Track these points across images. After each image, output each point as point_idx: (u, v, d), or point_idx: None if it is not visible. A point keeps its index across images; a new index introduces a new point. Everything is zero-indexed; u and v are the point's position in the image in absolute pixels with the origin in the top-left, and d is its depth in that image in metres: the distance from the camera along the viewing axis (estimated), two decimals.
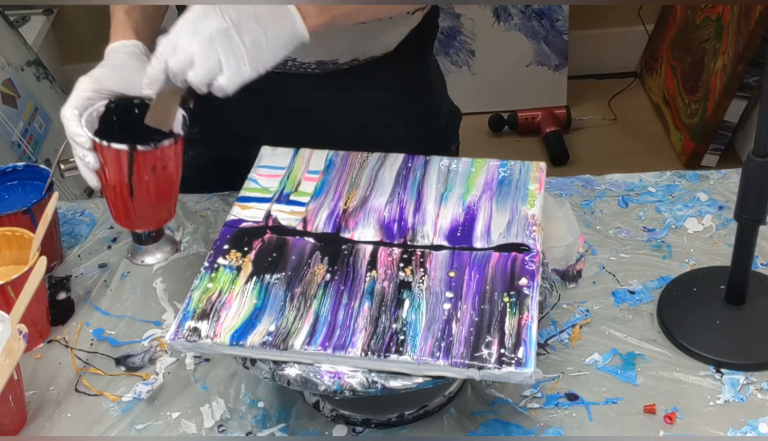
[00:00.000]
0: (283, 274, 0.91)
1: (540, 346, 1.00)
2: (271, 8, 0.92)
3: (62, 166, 1.07)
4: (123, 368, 1.02)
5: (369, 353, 0.82)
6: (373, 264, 0.92)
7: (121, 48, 1.06)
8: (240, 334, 0.84)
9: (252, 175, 1.05)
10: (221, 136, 1.28)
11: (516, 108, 2.97)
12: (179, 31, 0.91)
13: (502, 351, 0.81)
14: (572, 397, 0.95)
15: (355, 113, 1.26)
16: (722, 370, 0.96)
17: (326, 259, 0.93)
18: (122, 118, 1.01)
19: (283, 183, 1.04)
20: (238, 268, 0.92)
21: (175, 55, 0.91)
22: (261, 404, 0.97)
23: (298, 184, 1.04)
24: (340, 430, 0.94)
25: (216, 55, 0.90)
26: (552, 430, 0.92)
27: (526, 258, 0.91)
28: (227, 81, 0.90)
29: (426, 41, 1.31)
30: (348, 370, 0.83)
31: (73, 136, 0.97)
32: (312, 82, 1.21)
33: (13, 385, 0.92)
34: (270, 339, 0.84)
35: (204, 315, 0.87)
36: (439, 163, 1.06)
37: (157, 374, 1.01)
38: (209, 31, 0.90)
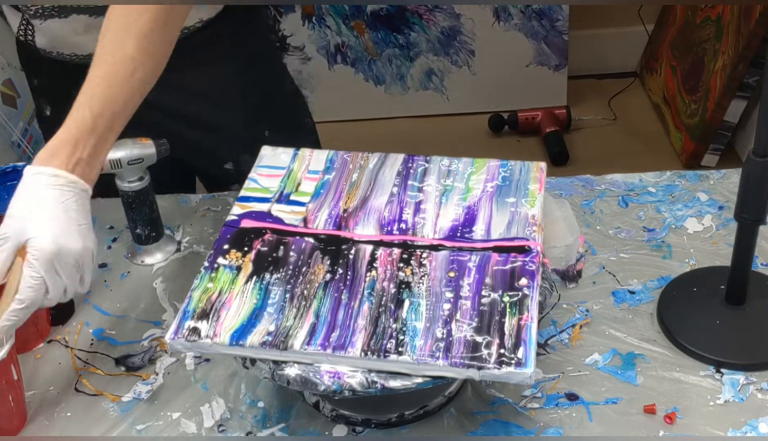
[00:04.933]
0: (283, 274, 0.91)
1: (540, 346, 1.00)
2: (71, 194, 0.91)
3: None
4: (123, 368, 1.02)
5: (368, 353, 0.82)
6: (373, 264, 0.92)
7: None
8: (240, 334, 0.84)
9: (252, 174, 1.05)
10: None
11: (516, 108, 2.97)
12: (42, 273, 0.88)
13: (502, 351, 0.81)
14: (572, 397, 0.95)
15: (200, 83, 1.28)
16: (722, 370, 0.96)
17: (326, 259, 0.93)
18: None
19: (284, 183, 1.04)
20: (238, 268, 0.92)
21: (51, 294, 0.89)
22: (261, 404, 0.97)
23: (299, 184, 1.04)
24: (340, 430, 0.94)
25: (80, 273, 0.90)
26: (552, 430, 0.92)
27: (526, 258, 0.91)
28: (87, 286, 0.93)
29: (257, 16, 1.35)
30: (348, 370, 0.83)
31: None
32: None
33: (13, 385, 0.92)
34: (270, 339, 0.84)
35: (204, 315, 0.87)
36: (439, 163, 1.06)
37: (157, 374, 1.01)
38: (74, 260, 0.89)
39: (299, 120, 1.43)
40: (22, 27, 1.24)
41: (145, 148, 1.10)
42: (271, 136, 1.31)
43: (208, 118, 1.31)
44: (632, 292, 1.06)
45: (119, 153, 1.09)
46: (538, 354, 0.99)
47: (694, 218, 1.16)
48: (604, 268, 1.10)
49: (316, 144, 1.42)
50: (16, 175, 1.18)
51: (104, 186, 1.07)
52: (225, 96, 1.31)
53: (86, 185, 0.92)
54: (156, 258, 1.16)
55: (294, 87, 1.44)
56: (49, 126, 1.31)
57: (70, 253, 0.88)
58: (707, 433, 0.90)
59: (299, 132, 1.41)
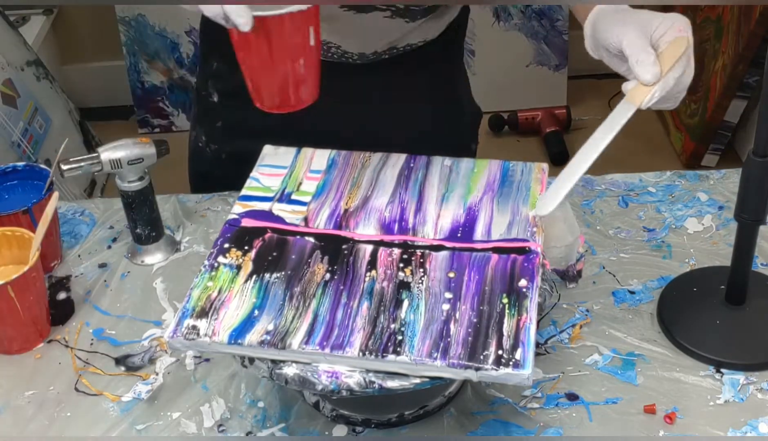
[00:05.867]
0: (283, 273, 0.91)
1: (540, 346, 1.00)
2: None
3: (62, 166, 1.08)
4: (123, 368, 1.02)
5: (367, 353, 0.82)
6: (372, 264, 0.92)
7: None
8: (238, 333, 0.84)
9: (254, 174, 1.05)
10: (246, 130, 1.28)
11: (516, 108, 2.97)
12: None
13: (500, 352, 0.81)
14: (572, 397, 0.95)
15: (387, 103, 1.26)
16: (722, 370, 0.96)
17: (326, 258, 0.93)
18: None
19: (285, 182, 1.04)
20: (238, 267, 0.92)
21: None
22: (261, 404, 0.97)
23: (300, 184, 1.04)
24: (340, 430, 0.94)
25: None
26: (552, 430, 0.92)
27: (526, 259, 0.91)
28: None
29: (460, 35, 1.33)
30: (346, 370, 0.83)
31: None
32: (350, 71, 1.21)
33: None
34: (268, 338, 0.84)
35: (203, 313, 0.87)
36: (441, 163, 1.06)
37: (157, 374, 1.01)
38: None
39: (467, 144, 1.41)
40: None
41: (145, 148, 1.10)
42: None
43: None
44: (632, 292, 1.06)
45: (119, 153, 1.09)
46: (537, 354, 0.99)
47: (694, 218, 1.16)
48: (604, 268, 1.10)
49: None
50: (16, 175, 1.18)
51: None
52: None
53: None
54: (156, 258, 1.16)
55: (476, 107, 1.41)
56: (216, 113, 1.28)
57: None
58: (707, 433, 0.90)
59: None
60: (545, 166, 1.05)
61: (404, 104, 1.28)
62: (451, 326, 0.84)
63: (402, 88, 1.26)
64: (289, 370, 0.83)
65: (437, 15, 1.20)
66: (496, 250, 0.92)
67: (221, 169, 1.30)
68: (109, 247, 1.20)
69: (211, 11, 0.86)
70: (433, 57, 1.26)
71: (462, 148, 1.39)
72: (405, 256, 0.92)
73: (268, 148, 1.10)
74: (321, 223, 0.97)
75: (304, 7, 0.86)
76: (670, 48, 0.91)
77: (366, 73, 1.22)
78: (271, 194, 1.02)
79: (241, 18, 0.84)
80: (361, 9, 1.12)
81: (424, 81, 1.29)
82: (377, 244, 0.94)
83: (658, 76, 0.90)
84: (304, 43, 0.89)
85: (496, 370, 0.80)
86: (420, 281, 0.89)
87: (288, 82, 0.91)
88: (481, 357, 0.81)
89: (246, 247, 0.94)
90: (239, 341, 0.84)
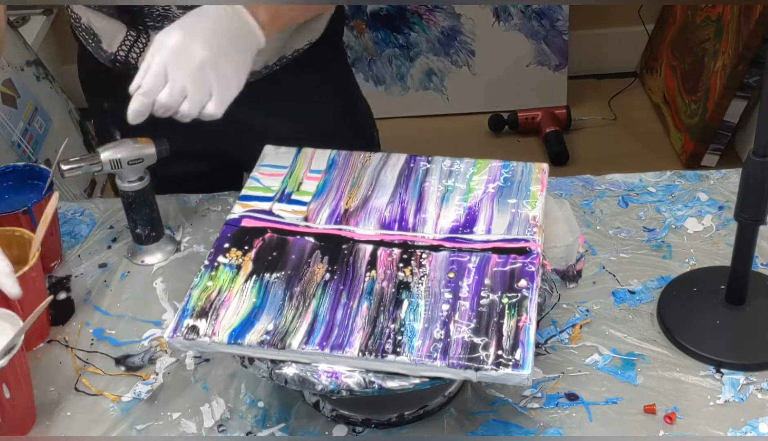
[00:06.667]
0: (283, 273, 0.91)
1: (540, 346, 1.00)
2: (237, 25, 0.93)
3: (62, 166, 1.08)
4: (123, 368, 1.02)
5: (366, 353, 0.82)
6: (372, 264, 0.92)
7: None
8: (238, 333, 0.84)
9: (254, 173, 1.05)
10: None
11: (516, 108, 2.97)
12: (164, 62, 0.90)
13: (499, 352, 0.81)
14: (572, 397, 0.95)
15: (289, 108, 1.27)
16: (722, 370, 0.96)
17: (326, 258, 0.93)
18: None
19: (285, 182, 1.04)
20: (238, 267, 0.92)
21: (169, 88, 0.90)
22: (261, 404, 0.97)
23: (300, 184, 1.04)
24: (340, 430, 0.94)
25: (207, 84, 0.91)
26: (552, 430, 0.92)
27: (526, 260, 0.91)
28: (215, 107, 0.92)
29: (341, 26, 1.34)
30: (345, 370, 0.83)
31: None
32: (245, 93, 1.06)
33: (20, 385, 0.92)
34: (268, 338, 0.84)
35: (203, 313, 0.87)
36: (441, 163, 1.06)
37: (157, 374, 1.01)
38: (199, 61, 0.90)
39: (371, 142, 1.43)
40: (128, 40, 1.15)
41: (145, 148, 1.10)
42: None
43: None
44: (632, 292, 1.06)
45: (119, 153, 1.09)
46: (537, 354, 0.99)
47: (694, 218, 1.16)
48: (604, 268, 1.10)
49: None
50: (16, 174, 1.18)
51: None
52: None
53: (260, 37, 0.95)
54: (156, 258, 1.16)
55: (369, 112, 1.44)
56: None
57: (195, 55, 0.89)
58: (707, 433, 0.90)
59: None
60: (545, 166, 1.05)
61: (306, 105, 1.29)
62: (451, 326, 0.84)
63: (300, 91, 1.27)
64: (289, 370, 0.83)
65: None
66: (496, 250, 0.92)
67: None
68: (109, 247, 1.20)
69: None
70: (322, 56, 1.27)
71: (367, 136, 1.42)
72: (405, 256, 0.92)
73: (268, 148, 1.10)
74: (321, 223, 0.97)
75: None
76: None
77: (265, 87, 1.20)
78: (271, 194, 1.02)
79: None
80: None
81: (320, 80, 1.29)
82: (377, 244, 0.94)
83: None
84: None
85: (496, 370, 0.80)
86: (420, 281, 0.89)
87: None
88: (481, 357, 0.81)
89: (246, 247, 0.94)
90: (239, 341, 0.84)
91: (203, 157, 1.30)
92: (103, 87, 1.26)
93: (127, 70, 1.16)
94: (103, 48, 1.19)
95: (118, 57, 1.18)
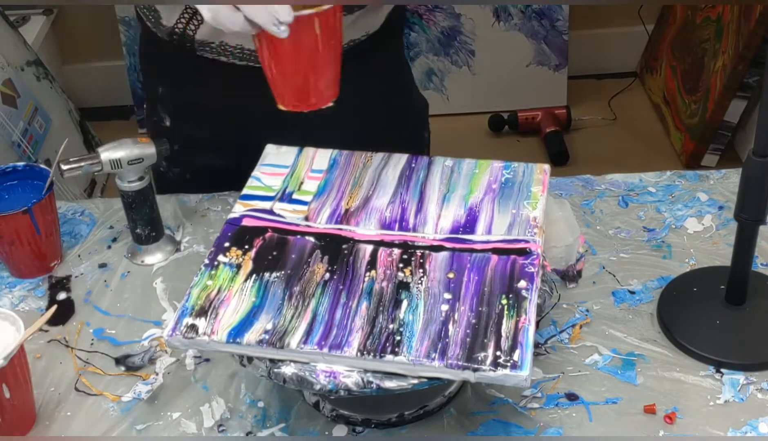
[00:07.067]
0: (283, 272, 0.91)
1: (540, 346, 1.00)
2: None
3: (62, 166, 1.08)
4: (123, 368, 1.02)
5: (365, 353, 0.82)
6: (372, 264, 0.92)
7: None
8: (237, 332, 0.84)
9: (255, 173, 1.05)
10: (204, 146, 1.28)
11: (516, 108, 2.97)
12: None
13: (498, 353, 0.81)
14: (572, 397, 0.95)
15: (339, 99, 1.26)
16: (722, 370, 0.96)
17: (326, 258, 0.93)
18: None
19: (286, 181, 1.04)
20: (238, 266, 0.92)
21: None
22: (261, 404, 0.97)
23: (301, 183, 1.04)
24: (340, 430, 0.94)
25: None
26: (552, 430, 0.92)
27: (526, 260, 0.91)
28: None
29: (400, 25, 1.34)
30: (344, 370, 0.83)
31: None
32: None
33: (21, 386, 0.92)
34: (267, 337, 0.84)
35: (202, 312, 0.87)
36: (442, 163, 1.06)
37: (157, 374, 1.01)
38: None
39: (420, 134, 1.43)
40: (185, 17, 1.17)
41: (145, 148, 1.10)
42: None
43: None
44: (632, 292, 1.06)
45: (119, 153, 1.09)
46: (537, 354, 0.99)
47: (694, 218, 1.16)
48: (604, 268, 1.10)
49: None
50: (16, 174, 1.18)
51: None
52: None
53: None
54: (156, 258, 1.16)
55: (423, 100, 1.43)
56: (171, 136, 1.25)
57: None
58: (707, 433, 0.90)
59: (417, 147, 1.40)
60: (547, 167, 1.05)
61: (357, 98, 1.26)
62: (450, 327, 0.84)
63: (352, 83, 1.26)
64: (288, 370, 0.83)
65: (374, 7, 1.21)
66: (496, 250, 0.92)
67: (186, 191, 1.29)
68: (109, 247, 1.20)
69: (260, 18, 0.87)
70: (378, 49, 1.26)
71: (415, 137, 1.41)
72: (405, 257, 0.92)
73: (270, 147, 1.10)
74: (322, 223, 0.97)
75: (328, 6, 0.89)
76: None
77: None
78: (272, 193, 1.02)
79: (283, 26, 0.87)
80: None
81: (373, 74, 1.28)
82: (377, 244, 0.94)
83: None
84: (326, 42, 0.92)
85: (494, 371, 0.80)
86: (419, 282, 0.89)
87: (310, 80, 0.94)
88: (479, 358, 0.81)
89: (246, 246, 0.94)
90: (238, 340, 0.84)
91: (242, 151, 1.27)
92: (159, 70, 1.28)
93: (184, 44, 1.19)
94: (162, 23, 1.20)
95: (176, 30, 1.19)
